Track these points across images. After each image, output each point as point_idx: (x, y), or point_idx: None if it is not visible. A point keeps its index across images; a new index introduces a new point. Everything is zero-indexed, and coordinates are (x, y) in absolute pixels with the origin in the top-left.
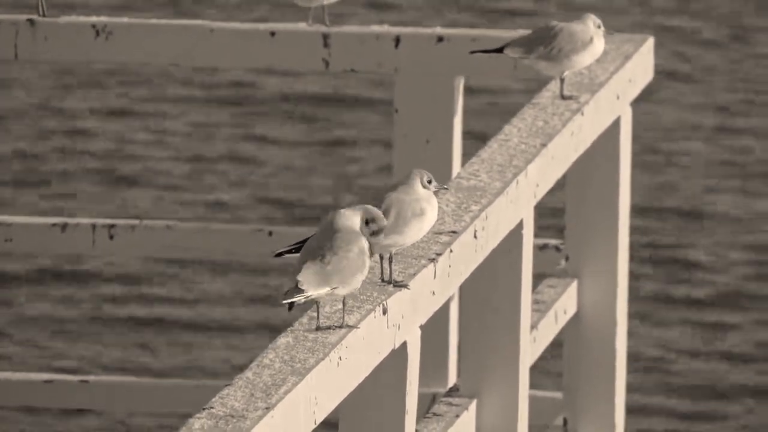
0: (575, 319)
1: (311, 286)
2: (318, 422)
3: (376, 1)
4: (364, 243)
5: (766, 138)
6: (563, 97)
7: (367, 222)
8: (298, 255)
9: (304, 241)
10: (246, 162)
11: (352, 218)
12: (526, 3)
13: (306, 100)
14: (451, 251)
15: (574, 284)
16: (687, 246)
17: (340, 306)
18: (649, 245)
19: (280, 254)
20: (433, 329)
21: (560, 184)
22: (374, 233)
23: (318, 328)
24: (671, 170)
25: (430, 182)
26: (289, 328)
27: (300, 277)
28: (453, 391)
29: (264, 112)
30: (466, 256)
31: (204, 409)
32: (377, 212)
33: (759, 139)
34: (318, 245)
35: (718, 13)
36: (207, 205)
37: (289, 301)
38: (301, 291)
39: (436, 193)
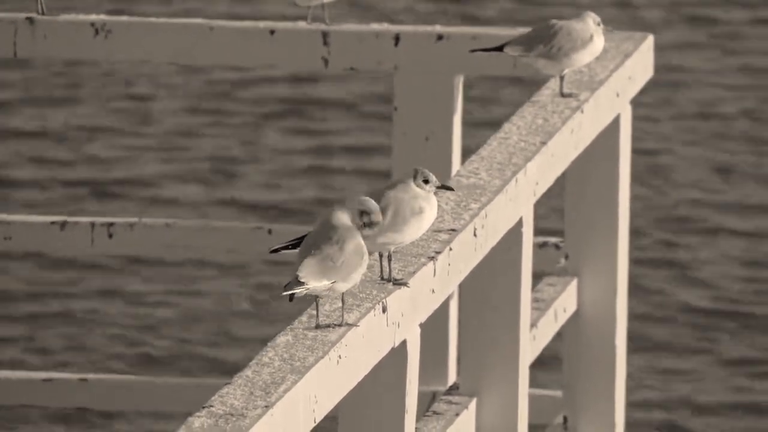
0: (575, 317)
1: (311, 279)
2: (317, 421)
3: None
4: (362, 239)
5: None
6: (563, 95)
7: (361, 214)
8: (293, 251)
9: (300, 238)
10: (235, 169)
11: (349, 214)
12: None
13: (300, 104)
14: (450, 249)
15: (574, 282)
16: (684, 256)
17: (340, 304)
18: (644, 255)
19: (276, 250)
20: (433, 327)
21: (560, 182)
22: (366, 225)
23: (317, 327)
24: (662, 178)
25: (426, 182)
26: (288, 327)
27: (300, 270)
28: (453, 390)
29: (256, 118)
30: (466, 254)
31: (204, 407)
32: (373, 204)
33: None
34: (317, 241)
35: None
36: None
37: (290, 292)
38: (301, 283)
39: (435, 193)
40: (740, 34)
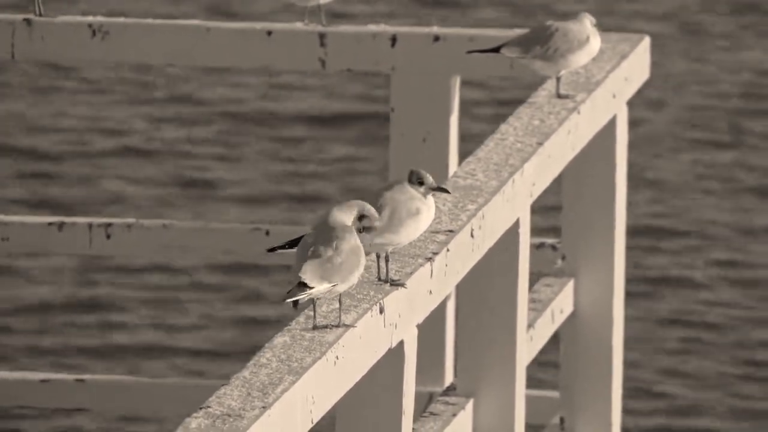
0: (572, 318)
1: (314, 282)
2: (315, 421)
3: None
4: (359, 240)
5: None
6: (559, 96)
7: (360, 217)
8: (290, 250)
9: (297, 238)
10: (217, 184)
11: (346, 215)
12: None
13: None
14: (447, 250)
15: (571, 283)
16: (682, 264)
17: (337, 305)
18: (641, 264)
19: (273, 249)
20: (430, 328)
21: (557, 183)
22: (365, 229)
23: (315, 328)
24: (653, 185)
25: (421, 183)
26: (285, 327)
27: (302, 275)
28: (450, 391)
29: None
30: (463, 255)
31: (201, 408)
32: (372, 209)
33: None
34: (314, 242)
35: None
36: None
37: (294, 298)
38: (304, 288)
39: (425, 194)
40: (731, 39)
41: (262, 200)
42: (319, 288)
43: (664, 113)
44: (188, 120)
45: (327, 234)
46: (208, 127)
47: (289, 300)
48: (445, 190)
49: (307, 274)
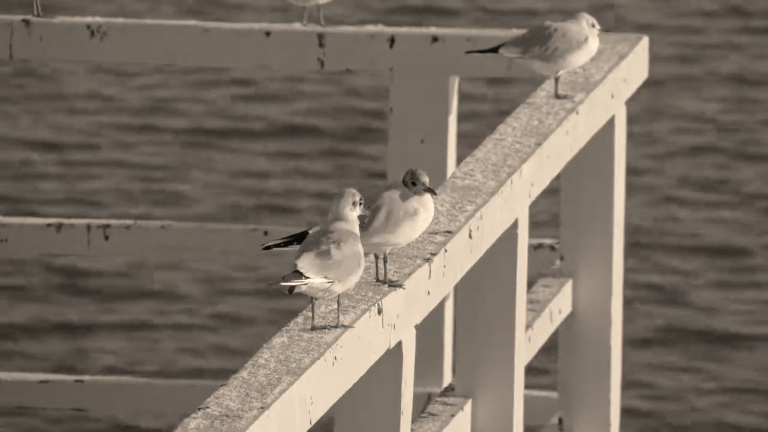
0: (570, 318)
1: (310, 272)
2: (313, 422)
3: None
4: (361, 247)
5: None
6: (558, 97)
7: (353, 205)
8: (285, 249)
9: (293, 236)
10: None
11: (351, 222)
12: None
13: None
14: (445, 251)
15: (569, 284)
16: (681, 281)
17: (335, 306)
18: (638, 278)
19: (268, 247)
20: (429, 329)
21: (555, 184)
22: (365, 208)
23: (313, 328)
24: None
25: (414, 183)
26: (284, 328)
27: (299, 262)
28: (448, 391)
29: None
30: (461, 255)
31: (199, 409)
32: (350, 190)
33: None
34: (317, 239)
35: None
36: None
37: (288, 284)
38: (299, 275)
39: (415, 194)
40: (728, 44)
41: (251, 206)
42: (313, 280)
43: (659, 118)
44: (164, 130)
45: (331, 235)
46: (186, 135)
47: (283, 284)
48: (433, 192)
49: (304, 264)
